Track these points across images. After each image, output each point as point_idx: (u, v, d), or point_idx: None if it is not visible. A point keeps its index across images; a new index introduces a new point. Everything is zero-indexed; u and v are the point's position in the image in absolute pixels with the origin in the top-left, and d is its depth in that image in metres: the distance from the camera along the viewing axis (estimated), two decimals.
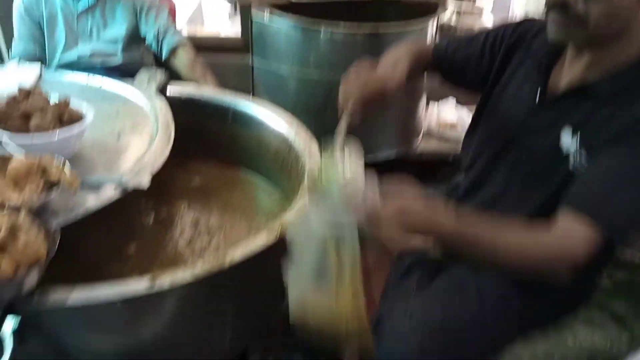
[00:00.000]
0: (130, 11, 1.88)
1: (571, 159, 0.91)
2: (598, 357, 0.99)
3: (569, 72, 0.95)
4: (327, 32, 1.66)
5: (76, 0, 1.83)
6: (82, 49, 1.88)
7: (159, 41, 1.89)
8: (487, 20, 2.52)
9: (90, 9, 1.85)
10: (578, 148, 0.90)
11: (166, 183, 1.37)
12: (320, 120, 1.74)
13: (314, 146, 1.21)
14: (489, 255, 0.85)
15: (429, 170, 2.06)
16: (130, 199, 1.27)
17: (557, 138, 0.93)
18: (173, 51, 1.87)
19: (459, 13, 2.52)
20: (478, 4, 2.46)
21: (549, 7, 0.88)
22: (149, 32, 1.90)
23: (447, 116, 2.07)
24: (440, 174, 2.02)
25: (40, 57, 1.90)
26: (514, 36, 1.10)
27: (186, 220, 1.27)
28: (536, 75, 1.01)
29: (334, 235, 0.79)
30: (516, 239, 0.84)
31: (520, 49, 1.08)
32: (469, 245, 0.85)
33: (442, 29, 2.59)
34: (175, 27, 1.96)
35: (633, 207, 0.83)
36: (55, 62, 1.89)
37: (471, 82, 1.20)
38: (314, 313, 0.82)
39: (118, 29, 1.87)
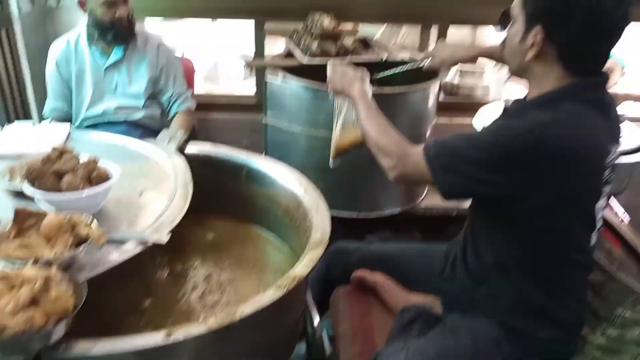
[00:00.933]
0: (153, 68, 2.03)
1: None
2: None
3: None
4: None
5: (105, 56, 1.98)
6: (107, 104, 2.02)
7: (170, 103, 2.07)
8: (488, 80, 2.64)
9: (116, 64, 1.99)
10: None
11: (182, 238, 1.45)
12: (329, 177, 1.83)
13: (322, 203, 1.28)
14: (363, 126, 1.27)
15: (433, 226, 2.12)
16: (147, 254, 1.35)
17: None
18: (176, 114, 2.07)
19: (461, 72, 2.65)
20: (479, 64, 2.59)
21: None
22: (164, 92, 2.07)
23: None
24: (445, 230, 2.08)
25: (69, 113, 2.04)
26: None
27: (199, 275, 1.33)
28: None
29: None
30: (388, 132, 1.21)
31: None
32: (358, 112, 1.30)
33: (445, 88, 2.72)
34: (188, 92, 2.12)
35: (449, 145, 1.10)
36: (82, 116, 2.03)
37: None
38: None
39: (141, 84, 2.02)
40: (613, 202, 2.18)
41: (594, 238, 1.13)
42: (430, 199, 2.07)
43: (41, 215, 0.97)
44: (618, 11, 0.99)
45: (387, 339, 1.24)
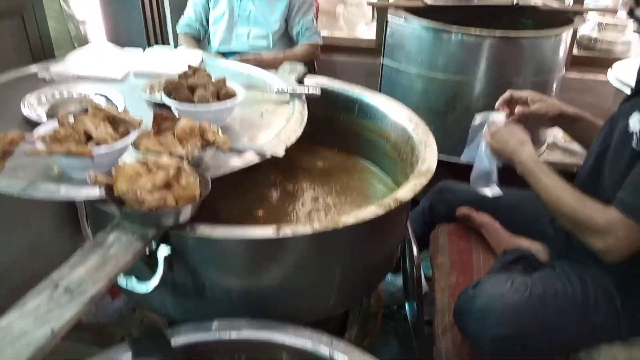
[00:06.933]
0: (286, 1, 2.14)
1: (634, 137, 1.02)
2: None
3: None
4: (458, 35, 1.73)
5: None
6: (240, 31, 2.15)
7: (299, 36, 2.16)
8: (630, 35, 2.40)
9: None
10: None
11: (294, 163, 1.54)
12: (441, 120, 1.82)
13: (431, 139, 1.29)
14: (541, 197, 1.11)
15: None
16: (264, 171, 1.46)
17: (628, 120, 1.05)
18: (301, 45, 2.17)
19: (600, 25, 2.44)
20: (621, 17, 2.36)
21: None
22: (295, 23, 2.17)
23: None
24: None
25: (199, 34, 2.22)
26: None
27: (308, 196, 1.42)
28: None
29: None
30: (568, 202, 1.05)
31: None
32: (531, 181, 1.14)
33: (580, 41, 2.52)
34: (317, 28, 2.20)
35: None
36: (214, 46, 2.19)
37: None
38: None
39: (274, 16, 2.14)
40: None
41: None
42: (550, 154, 1.97)
43: (176, 120, 1.09)
44: None
45: (488, 273, 1.25)
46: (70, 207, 1.51)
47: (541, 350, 1.07)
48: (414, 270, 1.36)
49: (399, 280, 1.74)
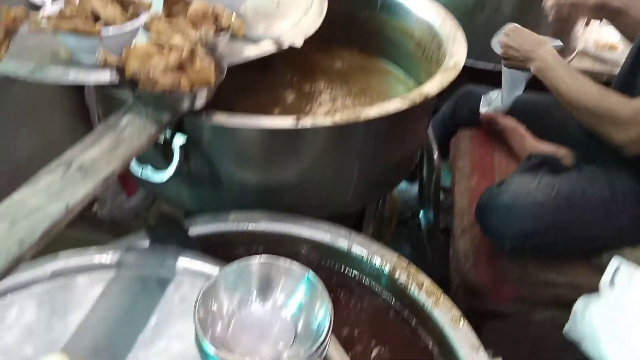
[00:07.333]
0: None
1: None
2: None
3: None
4: None
5: None
6: None
7: None
8: None
9: None
10: None
11: (311, 63, 1.47)
12: (468, 22, 1.70)
13: (460, 34, 1.21)
14: (560, 92, 1.06)
15: None
16: (278, 71, 1.40)
17: None
18: None
19: None
20: None
21: None
22: None
23: (609, 36, 1.91)
24: None
25: None
26: None
27: (326, 96, 1.36)
28: None
29: None
30: (590, 94, 1.01)
31: None
32: (549, 76, 1.08)
33: None
34: None
35: None
36: None
37: None
38: None
39: None
40: None
41: None
42: (580, 61, 1.87)
43: (188, 3, 1.01)
44: None
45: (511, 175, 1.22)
46: (80, 104, 1.47)
47: (564, 249, 1.06)
48: (433, 175, 1.33)
49: (414, 189, 1.73)
